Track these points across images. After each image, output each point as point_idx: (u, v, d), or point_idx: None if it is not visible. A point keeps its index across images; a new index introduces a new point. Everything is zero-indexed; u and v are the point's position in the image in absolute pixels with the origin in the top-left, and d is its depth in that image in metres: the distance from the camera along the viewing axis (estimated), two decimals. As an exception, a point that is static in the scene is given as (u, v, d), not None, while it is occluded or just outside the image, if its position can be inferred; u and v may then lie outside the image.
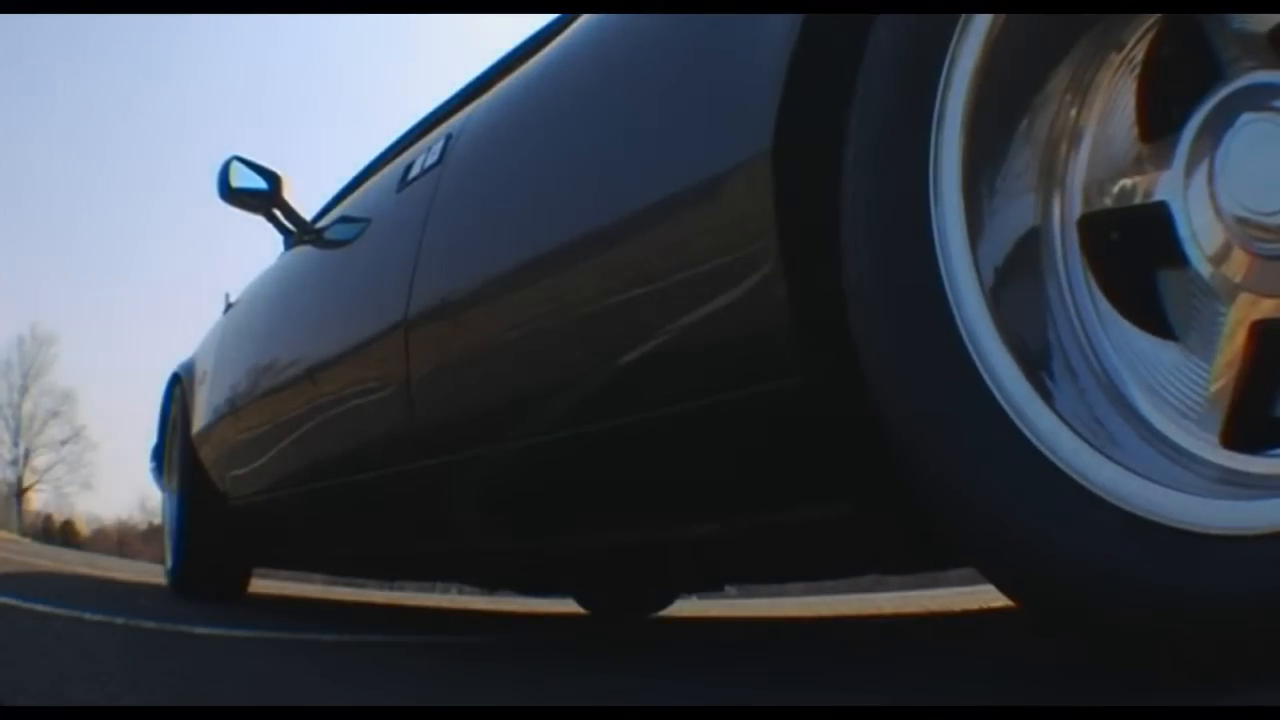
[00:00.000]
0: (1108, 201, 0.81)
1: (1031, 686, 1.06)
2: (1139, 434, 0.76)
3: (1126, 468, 0.71)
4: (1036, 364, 0.80)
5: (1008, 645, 1.71)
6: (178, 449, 3.09)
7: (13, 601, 2.14)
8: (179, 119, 49.92)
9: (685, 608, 3.90)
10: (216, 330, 3.01)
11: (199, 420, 2.84)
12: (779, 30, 0.95)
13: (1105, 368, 0.81)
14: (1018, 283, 0.83)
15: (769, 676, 1.41)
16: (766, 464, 1.12)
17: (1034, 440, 0.75)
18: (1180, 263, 0.76)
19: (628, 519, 1.43)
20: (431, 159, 1.75)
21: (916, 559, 1.64)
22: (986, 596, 2.97)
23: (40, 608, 1.99)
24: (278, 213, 2.42)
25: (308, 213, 2.47)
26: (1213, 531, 0.66)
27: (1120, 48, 0.81)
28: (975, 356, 0.79)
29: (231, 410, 2.52)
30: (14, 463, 28.84)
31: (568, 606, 3.50)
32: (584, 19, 1.46)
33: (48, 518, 29.34)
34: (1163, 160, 0.77)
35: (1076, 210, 0.83)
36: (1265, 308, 0.71)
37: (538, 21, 1.94)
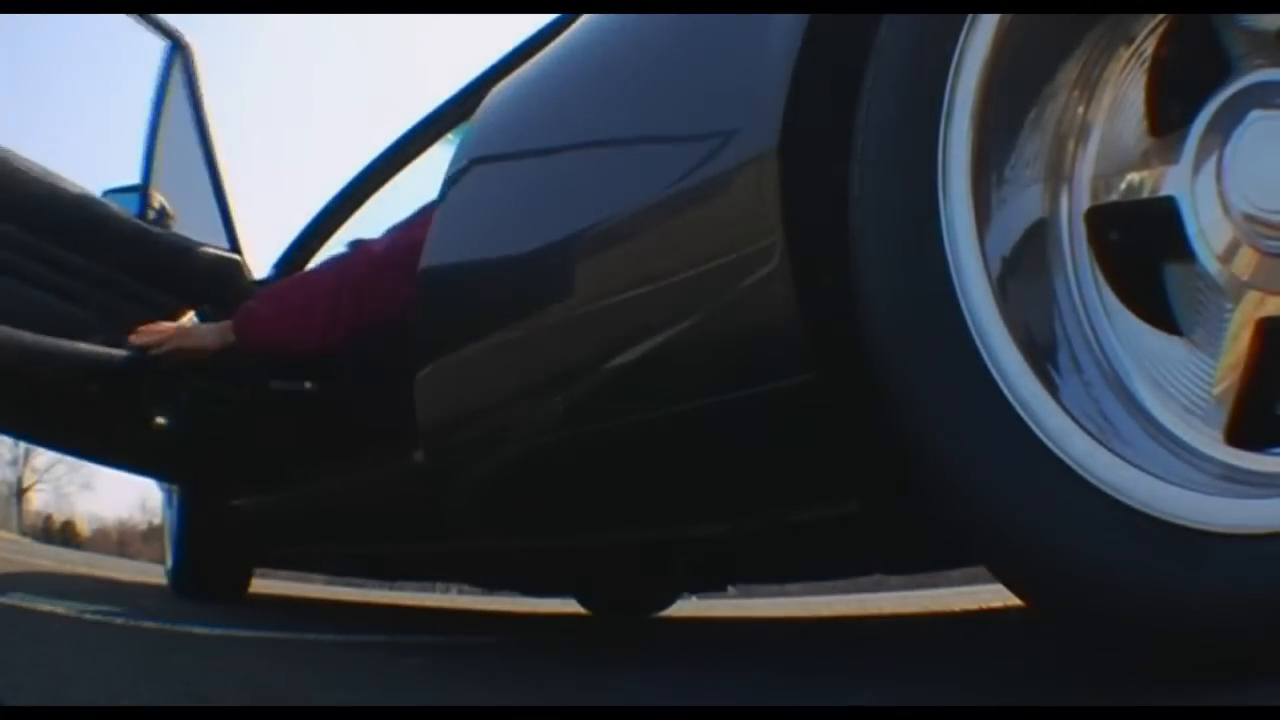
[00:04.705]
0: (1115, 195, 0.81)
1: (1031, 686, 1.05)
2: (1144, 429, 0.76)
3: (1131, 463, 0.71)
4: (1042, 356, 0.79)
5: (1008, 645, 1.71)
6: (178, 449, 3.08)
7: (13, 601, 2.14)
8: (179, 119, 49.88)
9: (685, 608, 3.90)
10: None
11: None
12: (785, 29, 0.95)
13: (1111, 361, 0.80)
14: (1025, 274, 0.83)
15: (769, 676, 1.41)
16: (774, 463, 1.11)
17: (1039, 433, 0.74)
18: (1187, 258, 0.76)
19: (634, 519, 1.43)
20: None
21: (921, 559, 1.64)
22: (986, 596, 2.97)
23: (40, 607, 1.99)
24: None
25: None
26: (1216, 529, 0.65)
27: (1130, 42, 0.81)
28: (981, 347, 0.78)
29: (231, 410, 2.52)
30: (14, 463, 28.79)
31: (568, 606, 3.50)
32: (586, 18, 1.45)
33: (48, 518, 29.31)
34: (1171, 155, 0.77)
35: (1084, 202, 0.83)
36: (1272, 305, 0.71)
37: (539, 21, 1.94)
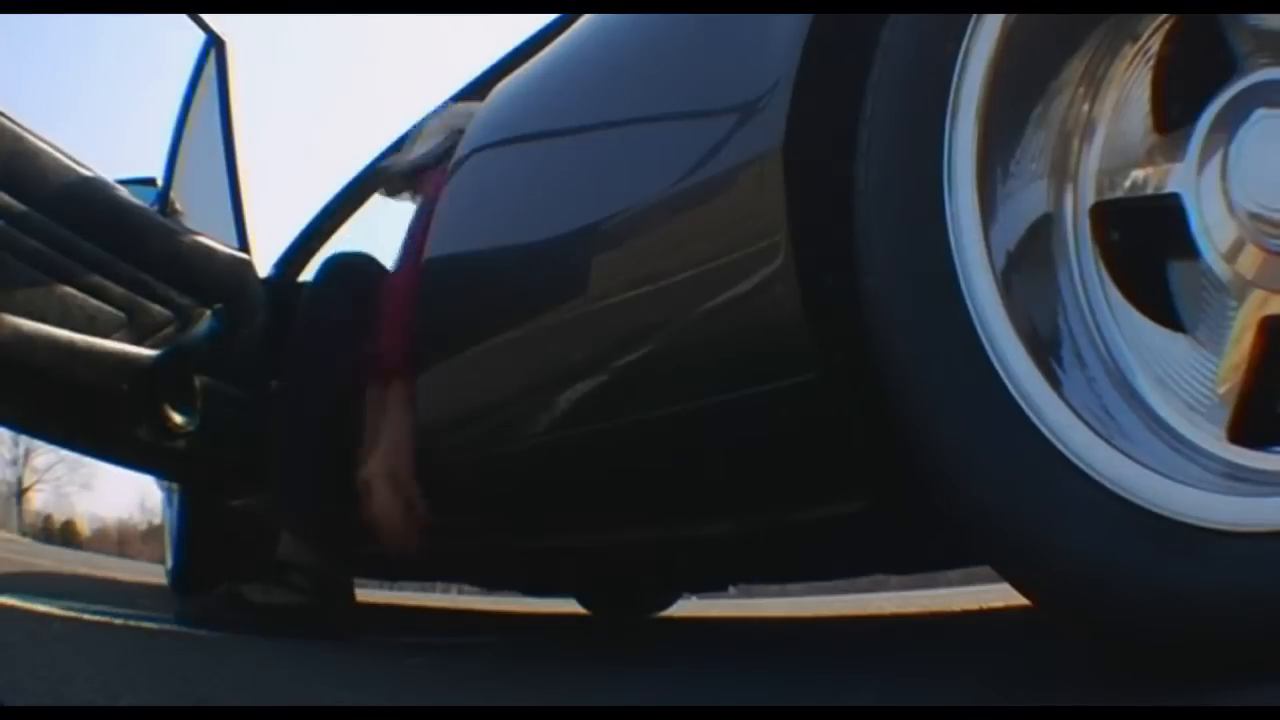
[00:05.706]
0: (1120, 191, 0.81)
1: (1031, 686, 1.05)
2: (1147, 425, 0.76)
3: (1134, 459, 0.71)
4: (1046, 351, 0.79)
5: (1008, 645, 1.70)
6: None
7: (13, 601, 2.13)
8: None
9: (685, 608, 3.90)
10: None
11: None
12: (789, 29, 0.95)
13: (1114, 357, 0.80)
14: (1029, 269, 0.83)
15: (769, 676, 1.41)
16: (777, 462, 1.11)
17: (1042, 429, 0.74)
18: (1192, 255, 0.76)
19: (635, 519, 1.42)
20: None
21: (924, 558, 1.64)
22: (986, 596, 2.97)
23: (40, 607, 1.98)
24: None
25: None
26: (1218, 527, 0.65)
27: (1135, 39, 0.81)
28: (985, 341, 0.78)
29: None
30: (14, 463, 28.72)
31: (568, 606, 3.50)
32: (588, 18, 1.45)
33: (48, 518, 29.28)
34: (1176, 152, 0.77)
35: (1089, 198, 0.83)
36: (1276, 304, 0.71)
37: (539, 21, 1.94)
